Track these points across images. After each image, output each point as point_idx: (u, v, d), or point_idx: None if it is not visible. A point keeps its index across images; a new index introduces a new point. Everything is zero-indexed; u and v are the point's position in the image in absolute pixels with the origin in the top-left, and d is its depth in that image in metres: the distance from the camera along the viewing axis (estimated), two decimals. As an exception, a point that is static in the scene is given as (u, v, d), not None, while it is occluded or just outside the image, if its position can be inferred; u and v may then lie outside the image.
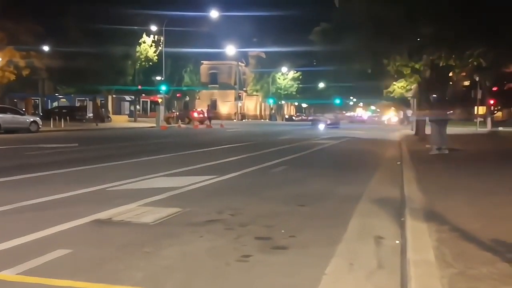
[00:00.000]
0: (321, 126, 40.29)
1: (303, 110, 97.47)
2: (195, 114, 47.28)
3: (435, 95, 13.51)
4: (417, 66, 21.61)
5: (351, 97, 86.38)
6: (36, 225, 5.04)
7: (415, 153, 13.47)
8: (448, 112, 13.79)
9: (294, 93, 79.96)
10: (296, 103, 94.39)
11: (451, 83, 24.90)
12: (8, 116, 25.52)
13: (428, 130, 16.20)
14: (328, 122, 43.85)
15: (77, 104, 53.75)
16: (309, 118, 63.74)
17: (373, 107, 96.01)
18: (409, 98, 33.07)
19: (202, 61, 69.90)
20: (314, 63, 61.86)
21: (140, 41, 48.85)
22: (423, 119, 20.06)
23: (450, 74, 23.26)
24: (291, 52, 63.70)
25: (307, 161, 13.15)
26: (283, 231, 5.10)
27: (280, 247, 4.53)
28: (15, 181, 8.33)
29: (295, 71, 77.04)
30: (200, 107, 59.45)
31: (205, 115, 47.48)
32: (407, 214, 5.23)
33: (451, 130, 17.00)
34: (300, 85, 78.59)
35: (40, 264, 3.86)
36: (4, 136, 22.56)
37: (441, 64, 19.47)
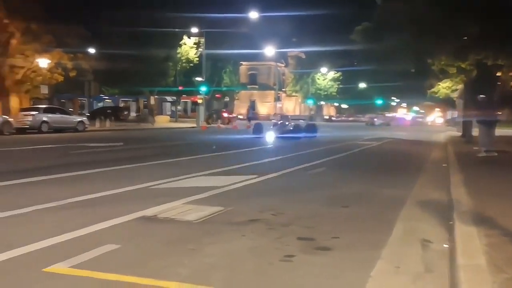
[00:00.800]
0: (270, 137, 22.78)
1: (342, 111, 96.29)
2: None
3: (482, 95, 13.01)
4: (463, 65, 20.93)
5: (394, 98, 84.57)
6: (84, 221, 5.22)
7: (462, 155, 13.03)
8: (496, 113, 13.25)
9: (334, 93, 79.17)
10: (336, 104, 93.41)
11: (499, 83, 23.93)
12: (56, 116, 26.60)
13: (475, 131, 15.66)
14: (290, 128, 24.64)
15: (121, 105, 55.36)
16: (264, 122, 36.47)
17: (416, 108, 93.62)
18: (454, 99, 32.07)
19: (241, 62, 70.43)
20: (355, 63, 61.01)
21: (181, 43, 49.74)
22: (470, 121, 19.40)
23: (499, 74, 22.37)
24: (331, 52, 63.07)
25: (348, 163, 12.99)
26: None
27: (324, 248, 4.49)
28: (63, 178, 8.64)
29: (335, 72, 76.25)
30: (240, 108, 59.80)
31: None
32: (455, 217, 5.07)
33: (499, 131, 16.35)
34: (340, 86, 77.73)
35: (90, 258, 4.00)
36: (52, 135, 23.50)
37: (488, 64, 18.77)
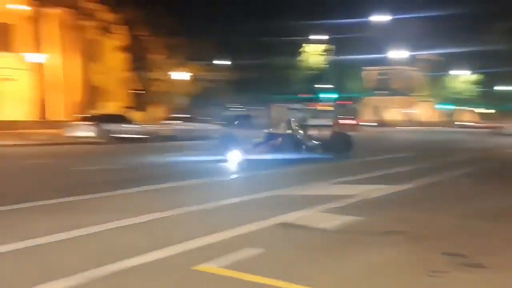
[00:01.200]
0: (233, 158, 12.60)
1: (484, 117, 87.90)
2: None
3: None
4: None
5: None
6: (228, 224, 5.49)
7: None
8: None
9: (472, 97, 72.79)
10: (475, 109, 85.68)
11: None
12: (195, 125, 28.96)
13: None
14: (277, 141, 13.32)
15: (250, 113, 57.78)
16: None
17: None
18: None
19: (368, 67, 68.61)
20: (497, 65, 55.40)
21: (302, 50, 50.27)
22: None
23: None
24: (467, 53, 58.08)
25: (497, 173, 11.82)
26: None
27: (477, 265, 4.13)
28: (209, 183, 9.20)
29: (473, 74, 70.09)
30: (367, 114, 58.20)
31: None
32: None
33: None
34: (481, 89, 71.13)
35: (236, 260, 4.20)
36: (192, 143, 25.15)
37: None
